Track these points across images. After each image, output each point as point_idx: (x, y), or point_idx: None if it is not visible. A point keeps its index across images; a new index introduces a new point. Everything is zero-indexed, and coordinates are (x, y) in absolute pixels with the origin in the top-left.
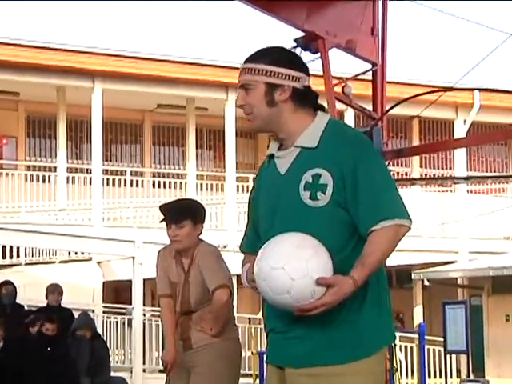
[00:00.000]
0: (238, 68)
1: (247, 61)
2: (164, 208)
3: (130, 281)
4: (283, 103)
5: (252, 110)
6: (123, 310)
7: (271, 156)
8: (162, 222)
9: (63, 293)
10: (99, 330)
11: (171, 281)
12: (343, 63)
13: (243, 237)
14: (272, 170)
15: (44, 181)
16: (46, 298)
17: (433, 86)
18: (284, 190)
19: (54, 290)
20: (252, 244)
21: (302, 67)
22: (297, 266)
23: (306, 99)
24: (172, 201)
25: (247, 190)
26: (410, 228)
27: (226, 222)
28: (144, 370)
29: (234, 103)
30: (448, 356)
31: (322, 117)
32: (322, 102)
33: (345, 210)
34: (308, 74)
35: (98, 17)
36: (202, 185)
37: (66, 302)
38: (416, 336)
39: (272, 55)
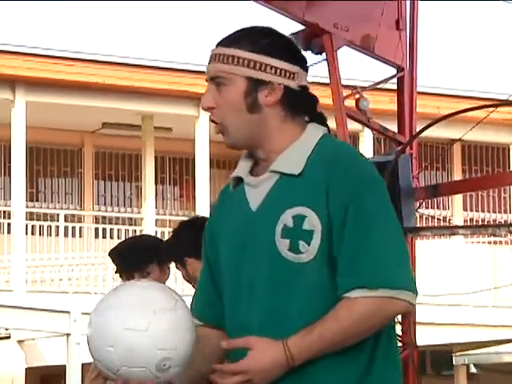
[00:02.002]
0: None
1: (222, 44)
2: (115, 254)
3: (64, 367)
4: (270, 108)
5: (226, 116)
6: None
7: (239, 179)
8: (117, 272)
9: None
10: None
11: None
12: (357, 67)
13: (194, 293)
14: (240, 201)
15: None
16: None
17: (481, 99)
18: (255, 233)
19: None
20: (202, 306)
21: (300, 59)
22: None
23: (301, 105)
24: (123, 241)
25: None
26: (411, 304)
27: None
28: None
29: (207, 121)
30: None
31: (313, 130)
32: (329, 119)
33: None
34: (306, 70)
35: (22, 9)
36: (163, 233)
37: None
38: None
39: (259, 39)
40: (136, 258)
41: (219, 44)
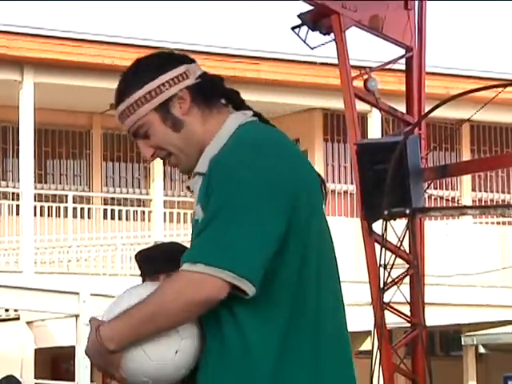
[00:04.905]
0: (218, 54)
1: (116, 103)
2: (142, 257)
3: (73, 348)
4: (188, 116)
5: (168, 149)
6: None
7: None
8: (142, 277)
9: None
10: None
11: None
12: (366, 48)
13: None
14: None
15: None
16: None
17: (490, 79)
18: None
19: None
20: None
21: (179, 59)
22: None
23: (209, 90)
24: (152, 246)
25: None
26: (234, 286)
27: None
28: None
29: None
30: None
31: (231, 122)
32: (334, 98)
33: None
34: (192, 61)
35: None
36: (172, 215)
37: None
38: None
39: (136, 75)
40: (160, 265)
41: (116, 104)
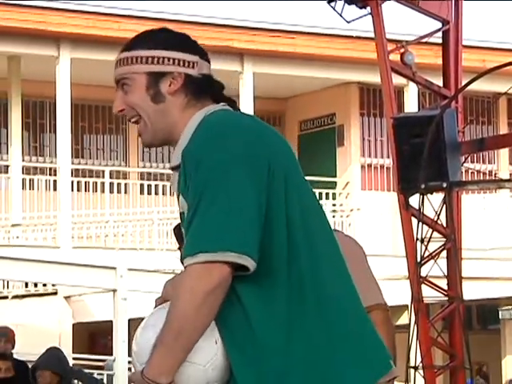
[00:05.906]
0: (255, 29)
1: (122, 50)
2: (180, 231)
3: (111, 322)
4: (173, 96)
5: (137, 112)
6: (101, 363)
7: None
8: (180, 250)
9: (14, 339)
10: None
11: None
12: (403, 22)
13: None
14: None
15: None
16: None
17: None
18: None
19: (1, 336)
20: None
21: (197, 50)
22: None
23: (204, 90)
24: None
25: None
26: (242, 266)
27: None
28: None
29: (251, 76)
30: None
31: (200, 113)
32: (371, 72)
33: None
34: (207, 60)
35: None
36: None
37: (21, 353)
38: None
39: (154, 37)
40: None
41: (121, 51)
